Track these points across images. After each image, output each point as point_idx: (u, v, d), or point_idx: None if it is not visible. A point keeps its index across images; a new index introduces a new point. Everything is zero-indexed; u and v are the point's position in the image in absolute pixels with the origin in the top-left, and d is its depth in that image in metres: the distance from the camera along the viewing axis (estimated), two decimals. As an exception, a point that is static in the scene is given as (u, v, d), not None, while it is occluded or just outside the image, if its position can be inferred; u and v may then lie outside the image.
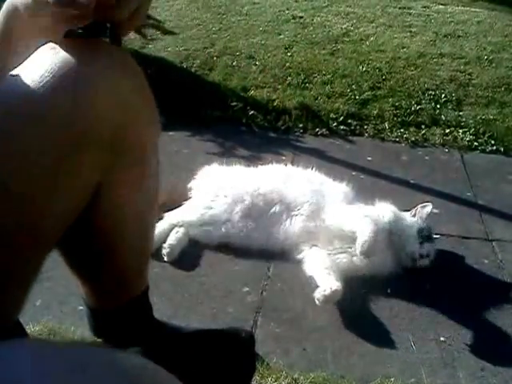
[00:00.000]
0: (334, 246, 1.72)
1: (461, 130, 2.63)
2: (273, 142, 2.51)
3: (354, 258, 1.68)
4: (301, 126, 2.62)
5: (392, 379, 1.36)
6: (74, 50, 0.76)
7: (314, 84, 2.90)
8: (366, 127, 2.64)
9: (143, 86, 0.85)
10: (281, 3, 4.03)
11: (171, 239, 1.75)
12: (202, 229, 1.80)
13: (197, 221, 1.80)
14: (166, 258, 1.72)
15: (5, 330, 0.76)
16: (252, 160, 2.24)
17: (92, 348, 0.50)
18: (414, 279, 1.72)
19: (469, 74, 3.07)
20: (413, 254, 1.71)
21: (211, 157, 2.23)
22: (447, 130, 2.64)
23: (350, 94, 2.82)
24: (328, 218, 1.74)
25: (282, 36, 3.45)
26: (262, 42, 3.33)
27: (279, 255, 1.75)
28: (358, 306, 1.61)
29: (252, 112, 2.67)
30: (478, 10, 4.19)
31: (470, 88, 2.95)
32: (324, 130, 2.62)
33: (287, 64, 3.07)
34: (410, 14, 3.99)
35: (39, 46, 0.76)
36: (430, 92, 2.88)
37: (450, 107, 2.79)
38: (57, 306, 1.52)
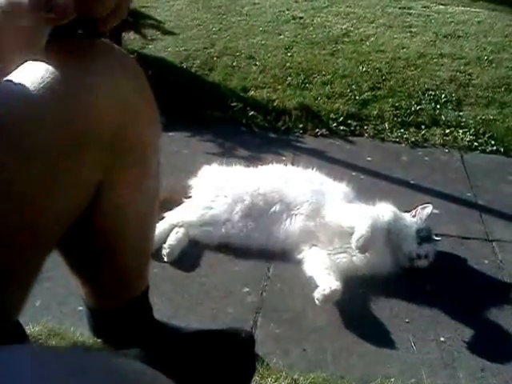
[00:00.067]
0: (334, 246, 1.72)
1: (461, 131, 2.63)
2: (273, 143, 2.50)
3: (354, 258, 1.69)
4: (301, 126, 2.62)
5: (392, 380, 1.36)
6: (74, 51, 0.76)
7: (313, 84, 2.90)
8: (365, 127, 2.64)
9: (144, 87, 0.85)
10: (281, 3, 4.03)
11: (171, 239, 1.75)
12: (202, 229, 1.80)
13: (197, 221, 1.80)
14: (166, 259, 1.72)
15: (5, 330, 0.76)
16: (252, 160, 2.23)
17: (91, 352, 0.50)
18: (414, 279, 1.72)
19: (469, 75, 3.07)
20: (410, 254, 1.71)
21: (211, 157, 2.23)
22: (447, 131, 2.64)
23: (349, 94, 2.82)
24: (328, 214, 1.74)
25: (282, 36, 3.45)
26: (262, 43, 3.33)
27: (279, 255, 1.75)
28: (358, 307, 1.61)
29: (252, 112, 2.67)
30: (478, 10, 4.19)
31: (470, 88, 2.95)
32: (324, 130, 2.61)
33: (287, 64, 3.07)
34: (410, 14, 3.99)
35: (25, 60, 0.74)
36: (430, 92, 2.88)
37: (450, 107, 2.79)
38: (56, 306, 1.52)
